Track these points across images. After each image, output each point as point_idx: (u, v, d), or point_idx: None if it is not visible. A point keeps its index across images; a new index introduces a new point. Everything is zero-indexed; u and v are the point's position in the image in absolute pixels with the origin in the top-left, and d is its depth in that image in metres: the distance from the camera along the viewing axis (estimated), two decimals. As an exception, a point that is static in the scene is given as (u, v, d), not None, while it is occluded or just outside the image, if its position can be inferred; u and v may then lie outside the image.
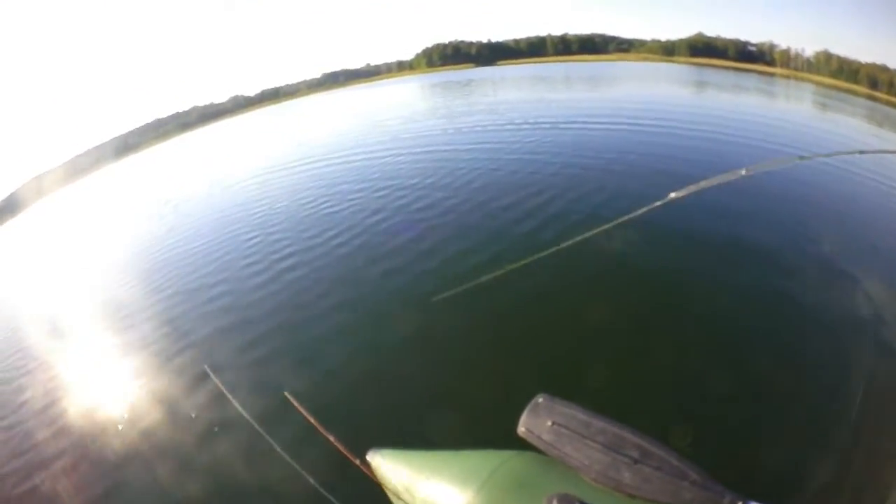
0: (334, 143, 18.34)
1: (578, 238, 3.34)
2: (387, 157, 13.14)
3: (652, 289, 5.52)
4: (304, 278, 7.25)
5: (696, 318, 5.08)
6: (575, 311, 5.23)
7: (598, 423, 1.86)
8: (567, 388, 2.50)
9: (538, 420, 1.98)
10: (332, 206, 9.85)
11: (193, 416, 4.74)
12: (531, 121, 14.55)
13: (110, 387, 5.72)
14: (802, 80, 29.33)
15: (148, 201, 17.98)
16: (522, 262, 3.83)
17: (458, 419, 3.85)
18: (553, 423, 1.93)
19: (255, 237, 9.43)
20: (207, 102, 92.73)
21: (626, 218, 3.15)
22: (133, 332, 6.89)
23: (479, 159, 10.58)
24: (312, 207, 10.14)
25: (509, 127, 14.21)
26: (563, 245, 3.42)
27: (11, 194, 58.66)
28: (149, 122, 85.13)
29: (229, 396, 3.82)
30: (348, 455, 2.48)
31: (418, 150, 13.24)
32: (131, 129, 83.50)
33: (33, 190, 56.24)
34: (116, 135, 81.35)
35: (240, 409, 3.62)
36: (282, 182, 13.77)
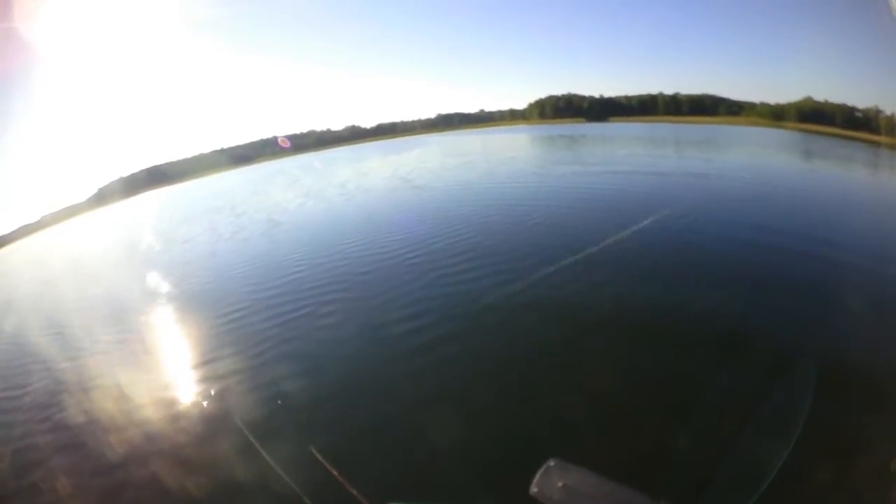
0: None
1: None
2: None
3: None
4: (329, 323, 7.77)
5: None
6: (578, 371, 5.69)
7: (605, 486, 2.13)
8: (574, 446, 3.31)
9: (550, 482, 2.21)
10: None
11: (222, 464, 4.73)
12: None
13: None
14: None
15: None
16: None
17: (471, 474, 4.04)
18: (563, 485, 2.13)
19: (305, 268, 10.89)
20: (325, 128, 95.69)
21: None
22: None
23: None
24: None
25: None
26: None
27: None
28: (265, 138, 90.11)
29: (261, 450, 4.14)
30: None
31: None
32: (246, 142, 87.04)
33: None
34: (231, 145, 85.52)
35: (271, 461, 3.94)
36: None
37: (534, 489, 2.32)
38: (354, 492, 3.06)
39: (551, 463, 2.45)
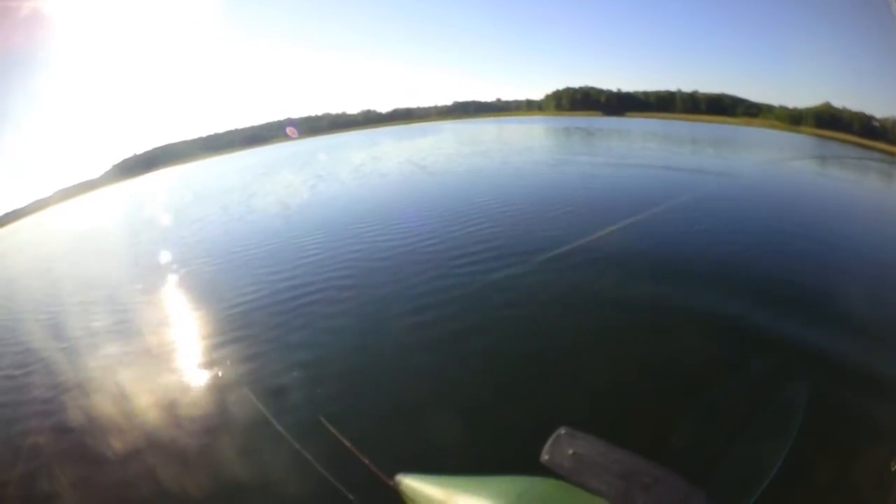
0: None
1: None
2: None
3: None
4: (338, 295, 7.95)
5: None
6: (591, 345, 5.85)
7: (615, 454, 2.07)
8: (584, 414, 3.43)
9: (560, 449, 2.19)
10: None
11: (234, 434, 4.81)
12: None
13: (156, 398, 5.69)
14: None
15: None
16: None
17: (485, 443, 4.18)
18: (574, 453, 2.13)
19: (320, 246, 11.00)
20: (339, 112, 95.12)
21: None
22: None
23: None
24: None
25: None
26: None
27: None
28: (281, 119, 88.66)
29: (271, 419, 4.19)
30: (382, 476, 2.71)
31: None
32: (261, 123, 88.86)
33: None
34: (248, 126, 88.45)
35: (281, 430, 3.97)
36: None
37: (544, 457, 2.22)
38: (367, 461, 3.03)
39: (562, 431, 2.29)
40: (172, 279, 10.89)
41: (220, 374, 6.10)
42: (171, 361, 6.75)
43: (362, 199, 16.99)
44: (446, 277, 8.08)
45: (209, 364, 6.43)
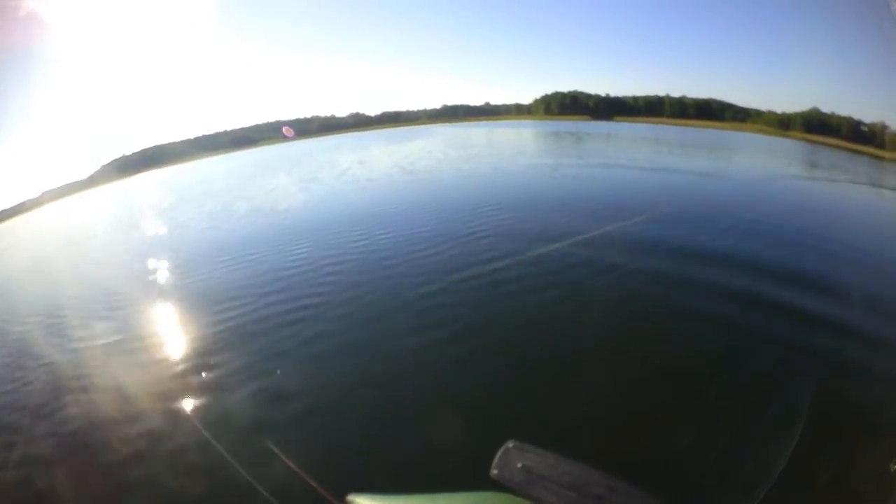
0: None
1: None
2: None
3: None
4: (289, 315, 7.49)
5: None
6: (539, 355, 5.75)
7: (564, 465, 2.11)
8: (533, 429, 3.35)
9: (509, 463, 2.21)
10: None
11: (178, 461, 4.52)
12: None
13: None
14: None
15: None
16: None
17: (435, 461, 4.05)
18: (523, 466, 2.16)
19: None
20: (329, 114, 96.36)
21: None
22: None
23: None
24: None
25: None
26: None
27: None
28: (270, 121, 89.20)
29: (216, 445, 4.10)
30: (331, 499, 2.67)
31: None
32: (250, 125, 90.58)
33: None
34: (236, 127, 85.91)
35: (226, 455, 3.90)
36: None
37: (494, 471, 2.29)
38: (314, 484, 2.99)
39: (509, 444, 2.41)
40: (145, 291, 10.22)
41: (167, 396, 5.74)
42: (116, 381, 6.36)
43: (351, 206, 16.27)
44: (411, 290, 7.78)
45: (157, 385, 6.05)
